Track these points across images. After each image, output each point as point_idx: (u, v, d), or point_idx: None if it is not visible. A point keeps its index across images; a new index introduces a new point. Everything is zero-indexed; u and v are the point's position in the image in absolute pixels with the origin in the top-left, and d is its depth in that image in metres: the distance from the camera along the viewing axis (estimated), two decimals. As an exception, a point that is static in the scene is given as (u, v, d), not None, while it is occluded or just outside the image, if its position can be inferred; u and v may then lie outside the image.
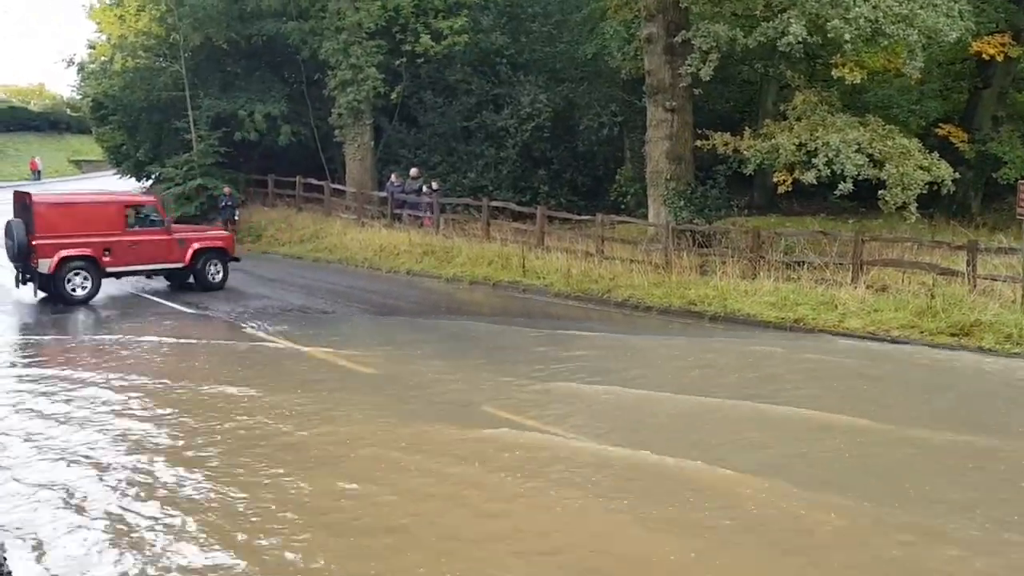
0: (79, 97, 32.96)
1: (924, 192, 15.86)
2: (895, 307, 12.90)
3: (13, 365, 10.99)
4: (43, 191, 20.08)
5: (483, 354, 11.49)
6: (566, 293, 16.28)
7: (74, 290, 15.42)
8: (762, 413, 8.60)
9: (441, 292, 17.36)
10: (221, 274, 17.27)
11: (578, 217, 19.75)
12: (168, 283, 17.37)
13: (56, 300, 15.27)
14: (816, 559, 5.54)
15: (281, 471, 6.94)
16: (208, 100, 26.54)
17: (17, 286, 15.62)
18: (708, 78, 16.63)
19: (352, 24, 24.05)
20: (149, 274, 16.98)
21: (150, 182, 30.90)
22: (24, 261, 15.29)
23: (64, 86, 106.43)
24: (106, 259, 15.75)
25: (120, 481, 6.77)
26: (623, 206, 23.08)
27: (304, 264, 21.52)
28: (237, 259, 17.75)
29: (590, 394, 9.31)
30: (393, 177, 23.90)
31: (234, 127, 26.14)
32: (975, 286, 12.91)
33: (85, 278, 15.53)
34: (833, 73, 16.47)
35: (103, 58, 28.78)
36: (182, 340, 12.54)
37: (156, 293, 16.81)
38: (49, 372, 10.48)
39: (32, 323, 14.27)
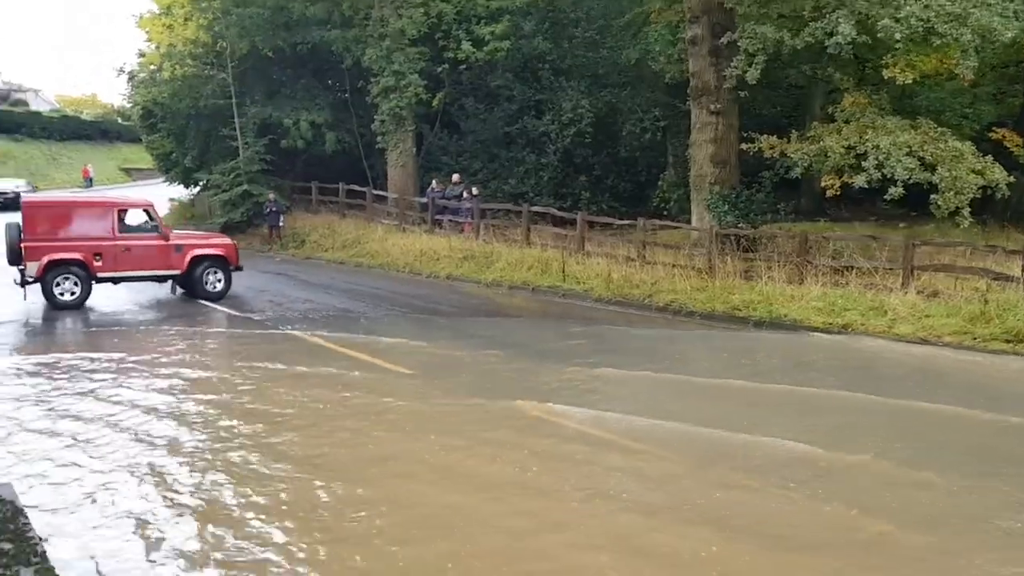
0: (129, 106, 33.50)
1: (977, 197, 15.42)
2: (947, 313, 12.53)
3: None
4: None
5: (522, 353, 11.36)
6: (606, 298, 16.09)
7: (62, 295, 15.01)
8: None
9: (480, 296, 17.28)
10: (222, 283, 16.43)
11: (619, 222, 19.53)
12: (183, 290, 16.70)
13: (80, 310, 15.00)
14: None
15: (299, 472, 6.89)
16: (254, 108, 26.87)
17: (22, 287, 15.08)
18: (754, 81, 16.34)
19: (395, 31, 24.16)
20: (148, 280, 16.41)
21: (197, 189, 31.35)
22: (16, 264, 15.07)
23: (115, 95, 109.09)
24: (97, 264, 15.30)
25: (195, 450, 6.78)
26: (665, 212, 22.83)
27: (346, 269, 21.63)
28: (239, 268, 16.88)
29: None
30: (434, 183, 23.96)
31: (280, 134, 26.44)
32: (1032, 292, 12.49)
33: (75, 283, 15.12)
34: (884, 74, 16.06)
35: (152, 67, 29.28)
36: (230, 337, 12.61)
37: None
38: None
39: (67, 332, 14.43)
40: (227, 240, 17.41)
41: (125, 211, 16.15)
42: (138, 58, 30.54)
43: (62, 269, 15.07)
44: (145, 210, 16.33)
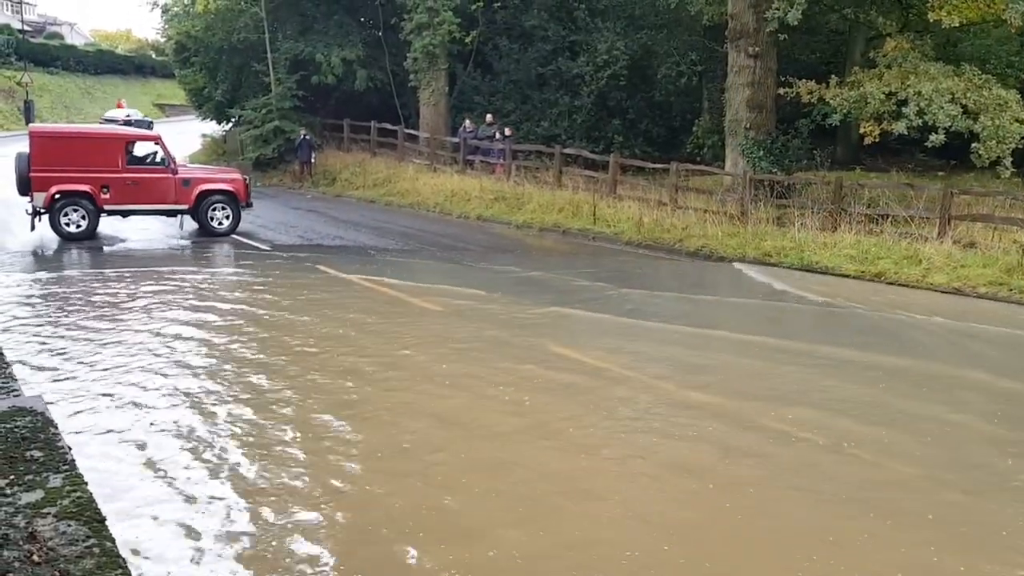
0: (163, 40, 33.51)
1: (1020, 147, 15.07)
2: (983, 263, 12.38)
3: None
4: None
5: (548, 294, 11.41)
6: (637, 241, 16.05)
7: (68, 225, 14.97)
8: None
9: (511, 238, 17.29)
10: (230, 220, 16.14)
11: (652, 166, 19.35)
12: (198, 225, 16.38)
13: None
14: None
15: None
16: (287, 43, 26.72)
17: (32, 217, 14.96)
18: (795, 22, 15.99)
19: (429, -33, 23.81)
20: (155, 214, 16.18)
21: (229, 125, 31.41)
22: (25, 194, 15.02)
23: (149, 30, 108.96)
24: (104, 196, 15.17)
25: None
26: (699, 158, 22.54)
27: (377, 208, 21.67)
28: (249, 204, 16.52)
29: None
30: (467, 123, 23.84)
31: (312, 71, 26.31)
32: (1072, 243, 12.28)
33: (82, 215, 15.03)
34: (929, 17, 15.63)
35: (186, 0, 29.16)
36: (261, 277, 12.76)
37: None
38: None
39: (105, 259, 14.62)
40: (237, 175, 16.98)
41: (133, 143, 16.03)
42: (172, -9, 30.41)
43: (69, 200, 14.98)
44: (154, 143, 16.10)
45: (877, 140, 16.69)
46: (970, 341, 9.69)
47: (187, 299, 10.64)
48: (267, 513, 4.95)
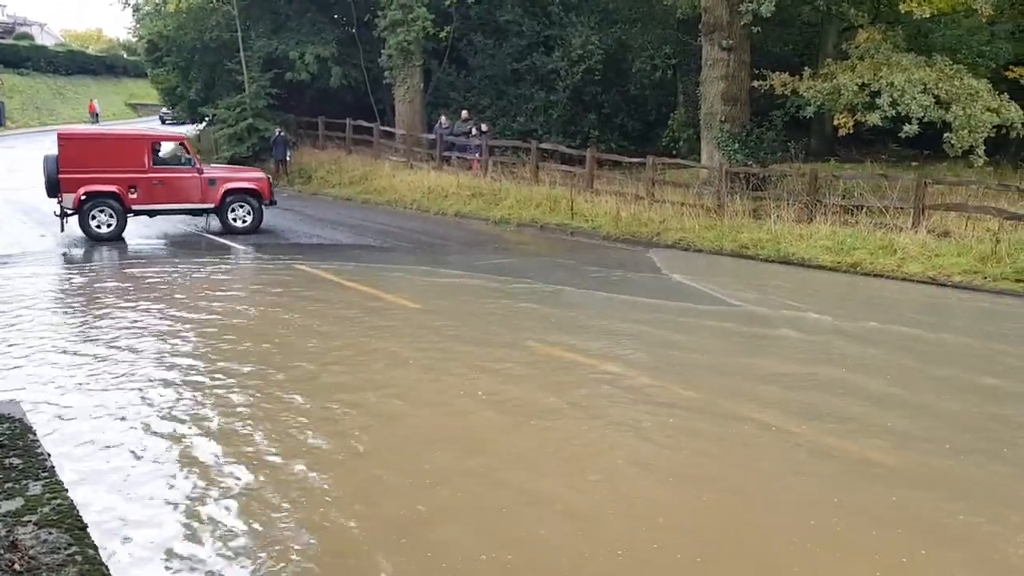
0: (135, 39, 33.16)
1: (991, 136, 15.27)
2: (957, 252, 12.50)
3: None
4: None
5: (529, 287, 11.40)
6: (615, 236, 16.09)
7: (98, 227, 15.21)
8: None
9: (488, 233, 17.26)
10: (251, 218, 16.40)
11: (628, 160, 19.38)
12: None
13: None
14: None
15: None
16: (259, 41, 26.56)
17: (61, 219, 15.22)
18: (769, 14, 16.11)
19: (402, -38, 23.72)
20: (182, 213, 16.46)
21: (203, 124, 31.15)
22: (54, 196, 15.19)
23: (121, 30, 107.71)
24: (132, 196, 15.40)
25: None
26: (675, 151, 22.65)
27: (353, 205, 21.58)
28: (273, 202, 16.88)
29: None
30: (443, 119, 23.79)
31: (286, 68, 26.16)
32: (1044, 231, 12.44)
33: (110, 215, 15.26)
34: (900, 7, 15.80)
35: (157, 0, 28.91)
36: (238, 272, 12.66)
37: (212, 231, 16.94)
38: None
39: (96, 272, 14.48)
40: (260, 174, 17.29)
41: (159, 144, 16.24)
42: (143, -10, 30.09)
43: (97, 201, 15.22)
44: (180, 143, 16.39)
45: (851, 132, 16.83)
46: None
47: (152, 298, 10.51)
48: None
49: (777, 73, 17.29)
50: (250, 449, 5.84)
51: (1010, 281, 11.51)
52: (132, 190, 15.42)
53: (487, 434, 6.24)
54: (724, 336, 9.11)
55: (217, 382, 7.26)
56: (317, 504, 5.01)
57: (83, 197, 15.05)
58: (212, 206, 16.23)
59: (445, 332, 9.04)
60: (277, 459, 5.67)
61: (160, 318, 9.47)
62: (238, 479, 5.34)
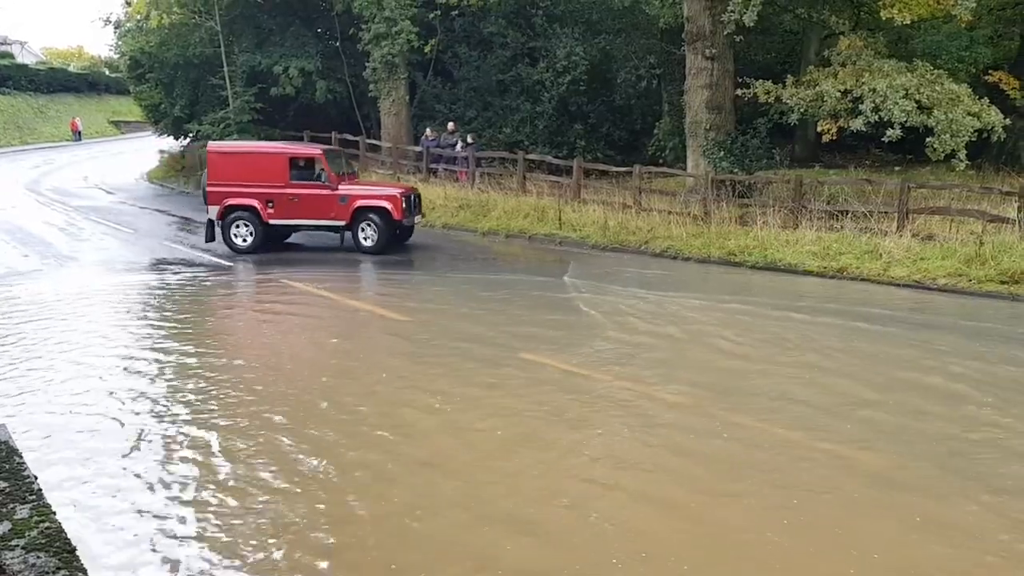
0: (116, 56, 33.07)
1: (973, 140, 15.39)
2: (942, 255, 12.61)
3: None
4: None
5: (518, 298, 11.41)
6: (603, 245, 16.12)
7: (236, 239, 15.71)
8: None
9: (477, 245, 17.26)
10: (376, 238, 15.60)
11: (615, 169, 19.45)
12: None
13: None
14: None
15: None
16: (243, 56, 26.53)
17: (208, 231, 15.79)
18: (751, 24, 16.18)
19: (385, -24, 23.75)
20: (315, 229, 16.22)
21: (187, 140, 31.06)
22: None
23: (102, 47, 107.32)
24: (268, 211, 15.61)
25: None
26: (661, 160, 22.71)
27: (340, 219, 21.48)
28: (402, 223, 15.85)
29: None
30: (428, 131, 23.82)
31: (270, 83, 26.13)
32: (1027, 233, 12.54)
33: (249, 230, 15.66)
34: (881, 14, 15.93)
35: (139, 16, 28.75)
36: (212, 282, 12.60)
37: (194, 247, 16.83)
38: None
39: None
40: (394, 191, 16.10)
41: (296, 160, 15.97)
42: (124, 7, 30.01)
43: (237, 214, 15.69)
44: (315, 159, 15.92)
45: (835, 138, 16.94)
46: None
47: (126, 311, 10.46)
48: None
49: (760, 81, 17.39)
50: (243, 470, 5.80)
51: (995, 283, 11.61)
52: (269, 204, 15.65)
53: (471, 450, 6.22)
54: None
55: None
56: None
57: (226, 209, 15.60)
58: (343, 223, 15.85)
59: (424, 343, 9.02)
60: (280, 482, 5.64)
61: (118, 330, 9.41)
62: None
